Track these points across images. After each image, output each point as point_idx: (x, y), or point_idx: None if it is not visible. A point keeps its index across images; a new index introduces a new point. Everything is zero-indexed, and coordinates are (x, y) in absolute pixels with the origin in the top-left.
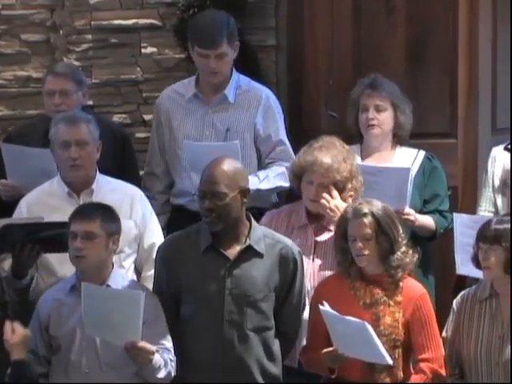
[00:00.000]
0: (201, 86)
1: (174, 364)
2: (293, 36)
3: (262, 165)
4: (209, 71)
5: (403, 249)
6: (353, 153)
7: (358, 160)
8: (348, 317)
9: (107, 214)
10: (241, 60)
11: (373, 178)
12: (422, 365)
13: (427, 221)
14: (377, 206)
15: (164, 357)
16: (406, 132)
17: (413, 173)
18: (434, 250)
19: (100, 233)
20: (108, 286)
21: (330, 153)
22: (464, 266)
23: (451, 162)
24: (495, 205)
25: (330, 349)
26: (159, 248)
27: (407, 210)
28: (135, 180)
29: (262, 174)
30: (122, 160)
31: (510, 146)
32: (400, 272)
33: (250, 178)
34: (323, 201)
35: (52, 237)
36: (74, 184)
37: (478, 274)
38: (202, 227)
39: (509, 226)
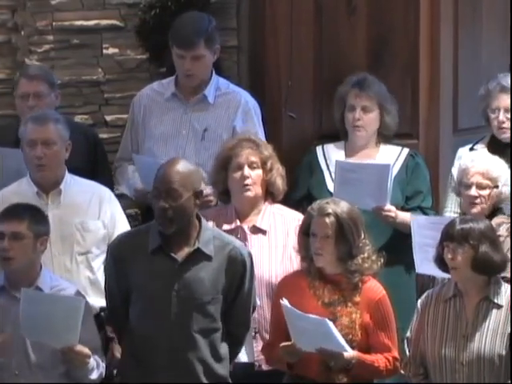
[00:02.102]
0: (180, 85)
1: (103, 365)
2: (254, 37)
3: None
4: (184, 72)
5: (365, 254)
6: (337, 148)
7: (341, 156)
8: (309, 314)
9: (35, 215)
10: None
11: (353, 175)
12: (390, 357)
13: (408, 217)
14: (343, 207)
15: (96, 358)
16: (390, 132)
17: (392, 169)
18: None
19: (27, 234)
20: (38, 287)
21: (251, 135)
22: (423, 266)
23: None
24: (461, 206)
25: (288, 343)
26: (109, 246)
27: (388, 206)
28: (108, 181)
29: None
30: (94, 162)
31: (475, 147)
32: (357, 277)
33: None
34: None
35: None
36: (42, 184)
37: (436, 272)
38: (151, 227)
39: (474, 224)
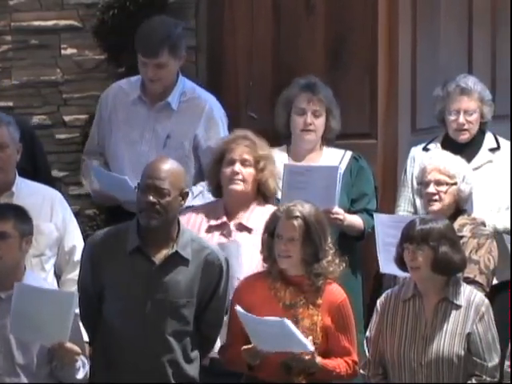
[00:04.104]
0: (145, 90)
1: (87, 365)
2: (213, 37)
3: (202, 175)
4: (148, 79)
5: (329, 258)
6: (280, 152)
7: (284, 160)
8: (265, 317)
9: (20, 215)
10: None
11: (301, 178)
12: (350, 361)
13: (355, 220)
14: (310, 210)
15: (82, 358)
16: (333, 135)
17: (341, 171)
18: (361, 249)
19: (13, 233)
20: None
21: (248, 132)
22: (387, 265)
23: (371, 162)
24: (414, 205)
25: (250, 346)
26: (86, 243)
27: (336, 209)
28: (47, 179)
29: (196, 189)
30: (33, 160)
31: (428, 147)
32: (321, 280)
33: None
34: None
35: None
36: None
37: (400, 273)
38: (130, 227)
39: (433, 225)
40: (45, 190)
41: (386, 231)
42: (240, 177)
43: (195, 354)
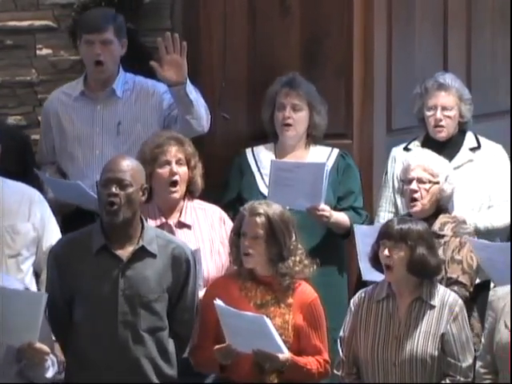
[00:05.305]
0: (88, 82)
1: (57, 363)
2: (188, 37)
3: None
4: (94, 60)
5: (297, 258)
6: (267, 150)
7: (271, 158)
8: (244, 312)
9: None
10: (136, 61)
11: (288, 175)
12: (321, 360)
13: (342, 217)
14: (275, 209)
15: (51, 357)
16: (320, 132)
17: (328, 168)
18: (347, 247)
19: None
20: None
21: (173, 132)
22: (368, 273)
23: None
24: (395, 205)
25: (223, 345)
26: (51, 250)
27: (322, 206)
28: (38, 182)
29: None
30: (23, 163)
31: (409, 147)
32: (287, 280)
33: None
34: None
35: None
36: None
37: (381, 277)
38: (94, 228)
39: (412, 225)
40: (23, 190)
41: (366, 241)
42: (178, 177)
43: (172, 350)
